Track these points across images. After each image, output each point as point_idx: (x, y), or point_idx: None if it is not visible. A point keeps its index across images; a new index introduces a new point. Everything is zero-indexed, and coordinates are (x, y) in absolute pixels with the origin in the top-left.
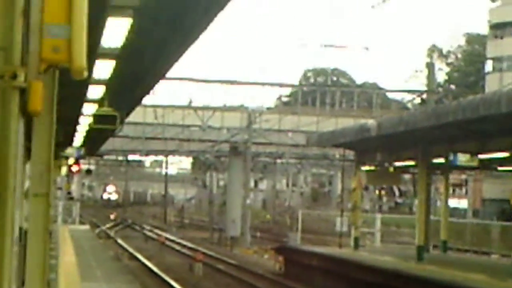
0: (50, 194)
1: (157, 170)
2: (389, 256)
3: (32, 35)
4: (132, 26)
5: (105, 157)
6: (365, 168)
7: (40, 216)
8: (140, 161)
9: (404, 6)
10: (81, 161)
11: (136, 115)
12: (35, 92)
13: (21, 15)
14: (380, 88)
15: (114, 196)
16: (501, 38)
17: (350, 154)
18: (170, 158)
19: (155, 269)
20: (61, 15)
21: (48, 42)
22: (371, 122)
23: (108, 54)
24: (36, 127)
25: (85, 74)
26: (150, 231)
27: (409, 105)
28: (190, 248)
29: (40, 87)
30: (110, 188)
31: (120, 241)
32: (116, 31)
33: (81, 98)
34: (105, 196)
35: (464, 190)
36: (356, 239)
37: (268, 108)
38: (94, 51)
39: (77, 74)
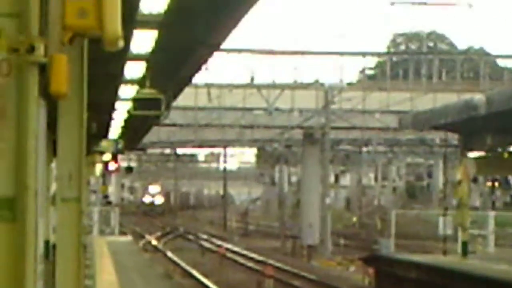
0: (82, 198)
1: (214, 165)
2: (508, 264)
3: None
4: None
5: (149, 151)
6: (473, 155)
7: (70, 226)
8: (192, 155)
9: None
10: (120, 157)
11: (185, 98)
12: (58, 68)
13: None
14: (489, 54)
15: (159, 200)
16: None
17: (454, 138)
18: (229, 150)
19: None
20: None
21: (73, 4)
22: (479, 97)
23: (149, 22)
24: (62, 116)
25: (121, 44)
26: (207, 241)
27: None
28: (257, 261)
29: (64, 62)
30: (153, 188)
31: (170, 254)
32: None
33: (117, 78)
34: (147, 199)
35: None
36: (464, 244)
37: (349, 84)
38: (132, 19)
39: (110, 45)
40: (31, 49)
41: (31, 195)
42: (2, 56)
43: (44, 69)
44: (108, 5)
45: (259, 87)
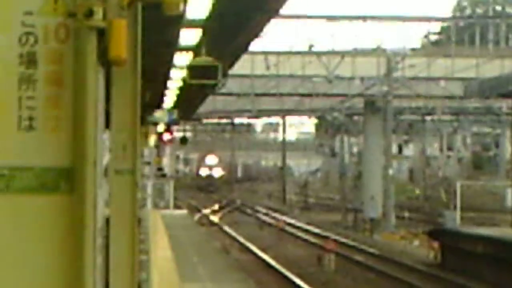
0: (136, 170)
1: (272, 135)
2: None
3: None
4: None
5: (205, 121)
6: None
7: (124, 199)
8: (249, 125)
9: None
10: (174, 127)
11: (242, 66)
12: (118, 33)
13: None
14: None
15: (218, 172)
16: None
17: None
18: (288, 119)
19: (273, 263)
20: None
21: None
22: None
23: None
24: (116, 84)
25: (181, 8)
26: (265, 214)
27: None
28: (317, 235)
29: (123, 27)
30: (211, 159)
31: (227, 228)
32: None
33: (172, 45)
34: (203, 171)
35: None
36: None
37: (412, 50)
38: None
39: (170, 9)
40: (89, 13)
41: (90, 166)
42: (59, 21)
43: (102, 34)
44: None
45: (318, 54)
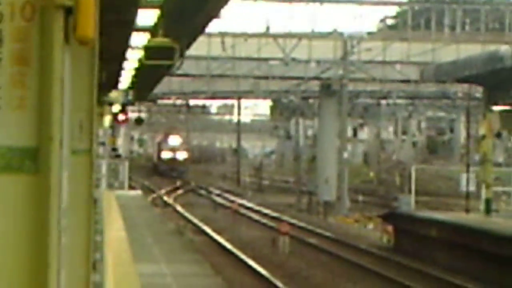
0: (93, 151)
1: (227, 117)
2: None
3: None
4: None
5: (160, 102)
6: (498, 108)
7: (81, 180)
8: (204, 107)
9: None
10: (130, 108)
11: (199, 47)
12: (86, 12)
13: None
14: None
15: (182, 154)
16: None
17: (477, 91)
18: (243, 101)
19: (228, 245)
20: None
21: None
22: (505, 48)
23: None
24: (74, 63)
25: None
26: (220, 196)
27: None
28: (272, 218)
29: (91, 5)
30: (175, 140)
31: (181, 210)
32: None
33: (129, 25)
34: (166, 154)
35: None
36: (488, 202)
37: (369, 34)
38: None
39: None
40: None
41: (56, 146)
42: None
43: (69, 13)
44: None
45: (275, 37)
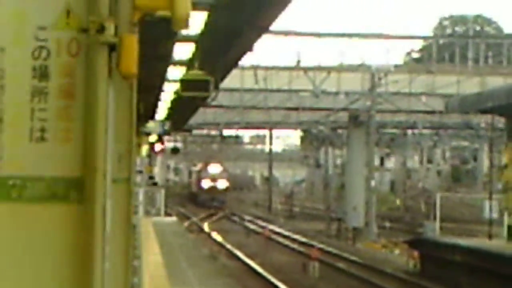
0: (131, 179)
1: (259, 147)
2: None
3: None
4: None
5: (195, 132)
6: None
7: (121, 208)
8: (237, 137)
9: None
10: (166, 138)
11: (232, 80)
12: (129, 49)
13: None
14: None
15: (223, 183)
16: None
17: (500, 121)
18: (275, 131)
19: (260, 270)
20: None
21: None
22: None
23: (199, 3)
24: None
25: (189, 23)
26: (252, 222)
27: None
28: (302, 243)
29: (134, 42)
30: (215, 168)
31: (215, 235)
32: None
33: (166, 59)
34: (206, 183)
35: None
36: (510, 228)
37: (395, 66)
38: None
39: (179, 25)
40: (101, 28)
41: (100, 176)
42: (71, 36)
43: (113, 49)
44: None
45: (305, 70)
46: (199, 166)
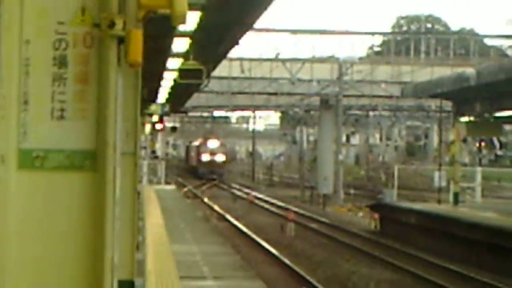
0: (136, 153)
1: (244, 126)
2: (492, 212)
3: None
4: None
5: (190, 113)
6: (464, 119)
7: (128, 177)
8: (226, 117)
9: None
10: (166, 118)
11: (221, 69)
12: (136, 41)
13: None
14: (478, 35)
15: (221, 157)
16: None
17: (447, 105)
18: (258, 113)
19: (245, 229)
20: None
21: None
22: (469, 70)
23: (193, 4)
24: (122, 82)
25: (187, 20)
26: (238, 190)
27: (509, 51)
28: (280, 207)
29: (140, 36)
30: (214, 143)
31: (207, 201)
32: None
33: (166, 52)
34: (205, 157)
35: None
36: (456, 195)
37: (359, 59)
38: None
39: (178, 21)
40: (112, 24)
41: (110, 149)
42: (86, 30)
43: (122, 42)
44: None
45: (283, 61)
46: (199, 141)
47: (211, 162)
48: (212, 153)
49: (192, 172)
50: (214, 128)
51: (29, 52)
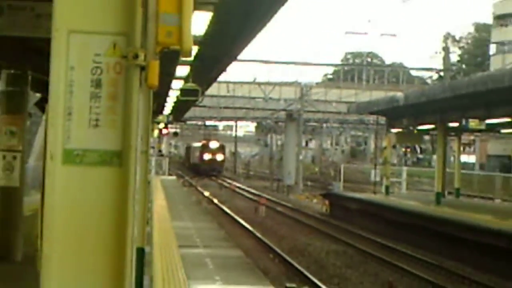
0: (148, 151)
1: (229, 132)
2: (413, 201)
3: (149, 23)
4: (212, 18)
5: (188, 122)
6: (394, 130)
7: (142, 169)
8: (215, 126)
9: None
10: (169, 125)
11: (212, 90)
12: (153, 70)
13: (140, 6)
14: (406, 67)
15: (220, 156)
16: (505, 26)
17: (382, 119)
18: (239, 123)
19: (228, 210)
20: (173, 6)
21: (163, 28)
22: (399, 94)
23: (196, 41)
24: (142, 100)
25: (192, 54)
26: (223, 180)
27: (429, 80)
28: (255, 194)
29: (157, 66)
30: (214, 144)
31: (200, 188)
32: (200, 22)
33: (171, 76)
34: (207, 156)
35: (472, 148)
36: (387, 187)
37: (316, 83)
38: None
39: (185, 55)
40: (136, 56)
41: (132, 150)
42: (116, 60)
43: (143, 70)
44: (185, 29)
45: (259, 84)
46: (201, 142)
47: (212, 161)
48: (213, 153)
49: (193, 170)
50: (206, 134)
51: (73, 76)
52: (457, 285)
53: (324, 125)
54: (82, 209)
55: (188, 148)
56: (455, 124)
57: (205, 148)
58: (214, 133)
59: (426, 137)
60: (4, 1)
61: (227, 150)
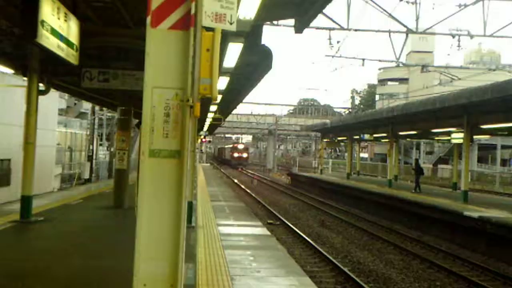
0: (194, 150)
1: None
2: (335, 177)
3: (195, 83)
4: (229, 80)
5: (216, 135)
6: (325, 140)
7: (191, 160)
8: (230, 137)
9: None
10: (206, 136)
11: (229, 117)
12: (197, 108)
13: (190, 73)
14: (332, 107)
15: (245, 155)
16: (384, 85)
17: (318, 134)
18: (243, 136)
19: (237, 181)
20: (207, 73)
21: (202, 86)
22: (327, 120)
23: (220, 92)
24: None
25: (218, 99)
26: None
27: (343, 113)
28: (251, 173)
29: (199, 106)
30: (241, 146)
31: (222, 170)
32: (222, 82)
33: (207, 111)
34: (236, 154)
35: (367, 149)
36: (321, 170)
37: (285, 115)
38: None
39: (214, 100)
40: (187, 100)
41: (187, 149)
42: (177, 103)
43: (192, 108)
44: (214, 86)
45: (254, 115)
46: (231, 145)
47: (239, 157)
48: (240, 152)
49: (225, 163)
50: (225, 142)
51: (155, 110)
52: (358, 222)
53: (288, 137)
54: (159, 182)
55: (222, 149)
56: (357, 137)
57: (234, 149)
58: (230, 141)
59: (342, 144)
60: (120, 71)
61: None
